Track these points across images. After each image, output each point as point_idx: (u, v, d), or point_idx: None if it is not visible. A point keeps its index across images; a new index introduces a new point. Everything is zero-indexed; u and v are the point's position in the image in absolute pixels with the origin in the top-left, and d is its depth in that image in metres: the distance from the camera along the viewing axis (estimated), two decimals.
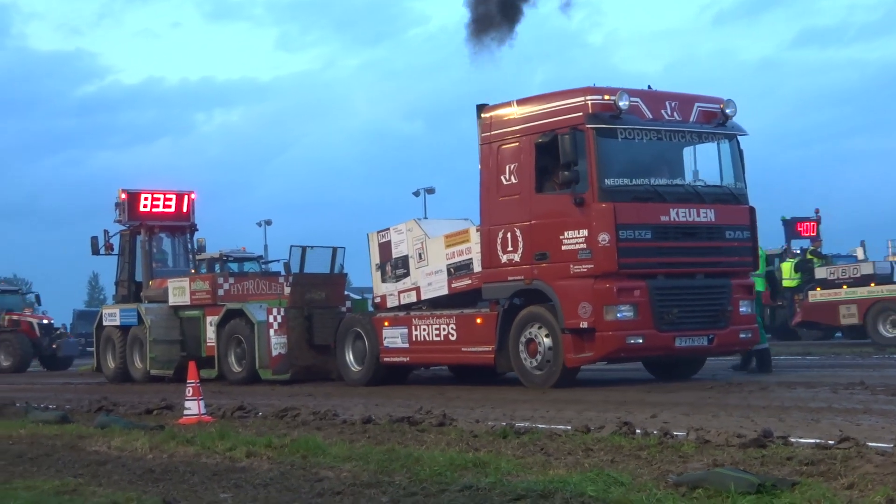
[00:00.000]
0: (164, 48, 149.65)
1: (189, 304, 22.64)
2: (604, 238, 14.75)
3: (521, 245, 15.72)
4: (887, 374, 15.85)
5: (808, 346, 25.81)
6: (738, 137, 16.14)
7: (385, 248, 18.75)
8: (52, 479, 9.05)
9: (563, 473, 7.69)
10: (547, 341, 15.36)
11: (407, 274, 18.25)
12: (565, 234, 15.13)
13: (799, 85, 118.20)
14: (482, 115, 16.54)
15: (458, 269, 17.21)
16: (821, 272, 27.23)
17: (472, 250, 16.85)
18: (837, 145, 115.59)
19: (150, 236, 25.00)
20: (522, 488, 7.22)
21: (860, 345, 24.73)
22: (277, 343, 20.06)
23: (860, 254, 31.06)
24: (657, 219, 15.11)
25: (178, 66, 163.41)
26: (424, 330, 17.39)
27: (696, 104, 15.86)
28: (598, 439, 9.30)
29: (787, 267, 28.63)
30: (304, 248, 20.96)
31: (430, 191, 50.08)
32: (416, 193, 50.46)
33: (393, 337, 17.91)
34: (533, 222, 15.60)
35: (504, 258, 15.97)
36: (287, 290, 21.11)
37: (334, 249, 21.17)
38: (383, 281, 18.78)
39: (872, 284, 25.49)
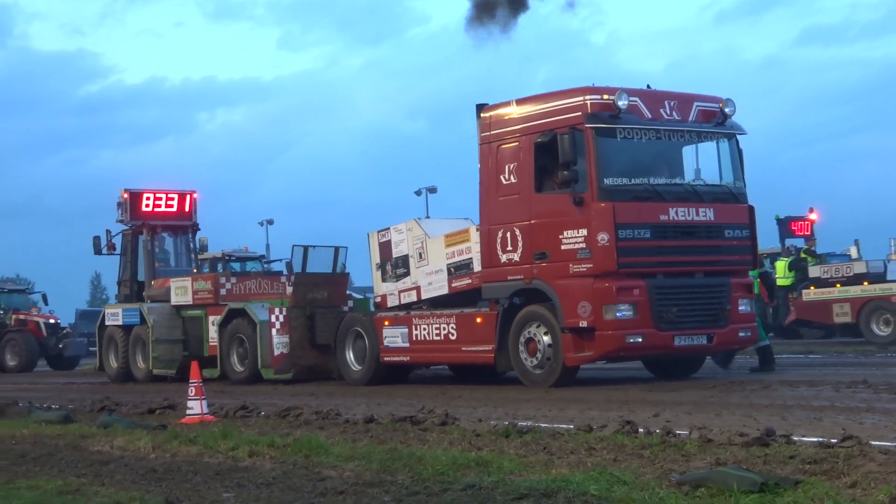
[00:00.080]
0: (167, 48, 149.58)
1: (191, 303, 22.64)
2: (603, 237, 14.77)
3: (520, 244, 15.74)
4: (890, 373, 15.86)
5: (810, 344, 25.82)
6: (738, 136, 16.17)
7: (385, 247, 18.76)
8: (55, 478, 9.08)
9: (566, 472, 7.70)
10: (546, 340, 15.39)
11: (407, 273, 18.27)
12: (565, 233, 15.15)
13: (801, 84, 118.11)
14: (482, 115, 16.56)
15: (459, 269, 17.22)
16: (814, 271, 27.30)
17: (472, 250, 16.86)
18: (840, 144, 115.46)
19: (152, 236, 24.97)
20: (525, 487, 7.24)
21: (862, 343, 24.71)
22: (280, 342, 20.05)
23: (854, 252, 31.07)
24: (656, 218, 15.13)
25: (180, 65, 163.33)
26: (424, 329, 17.40)
27: (695, 103, 15.88)
28: (601, 438, 9.32)
29: (781, 266, 28.67)
30: (306, 248, 20.93)
31: (433, 190, 49.98)
32: (418, 193, 50.36)
33: (393, 336, 17.92)
34: (532, 222, 15.61)
35: (504, 258, 15.99)
36: (289, 289, 21.16)
37: (336, 249, 21.16)
38: (383, 280, 18.79)
39: (865, 283, 25.54)
